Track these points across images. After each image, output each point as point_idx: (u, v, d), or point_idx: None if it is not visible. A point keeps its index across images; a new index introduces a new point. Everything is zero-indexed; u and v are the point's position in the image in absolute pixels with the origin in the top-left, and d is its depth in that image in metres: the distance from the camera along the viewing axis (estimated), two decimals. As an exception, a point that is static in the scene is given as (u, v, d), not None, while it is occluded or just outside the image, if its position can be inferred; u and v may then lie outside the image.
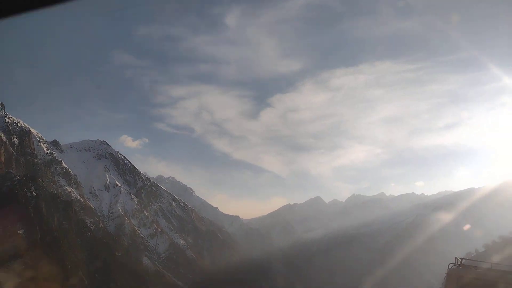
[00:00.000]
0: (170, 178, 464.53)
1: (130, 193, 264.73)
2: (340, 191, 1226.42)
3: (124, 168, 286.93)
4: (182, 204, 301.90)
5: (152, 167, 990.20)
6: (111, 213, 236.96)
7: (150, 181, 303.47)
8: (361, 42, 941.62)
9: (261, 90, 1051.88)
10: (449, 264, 13.24)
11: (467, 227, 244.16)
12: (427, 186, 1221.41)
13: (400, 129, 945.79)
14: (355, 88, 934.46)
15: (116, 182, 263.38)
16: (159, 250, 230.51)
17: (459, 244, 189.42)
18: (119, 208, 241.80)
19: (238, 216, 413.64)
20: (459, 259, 13.50)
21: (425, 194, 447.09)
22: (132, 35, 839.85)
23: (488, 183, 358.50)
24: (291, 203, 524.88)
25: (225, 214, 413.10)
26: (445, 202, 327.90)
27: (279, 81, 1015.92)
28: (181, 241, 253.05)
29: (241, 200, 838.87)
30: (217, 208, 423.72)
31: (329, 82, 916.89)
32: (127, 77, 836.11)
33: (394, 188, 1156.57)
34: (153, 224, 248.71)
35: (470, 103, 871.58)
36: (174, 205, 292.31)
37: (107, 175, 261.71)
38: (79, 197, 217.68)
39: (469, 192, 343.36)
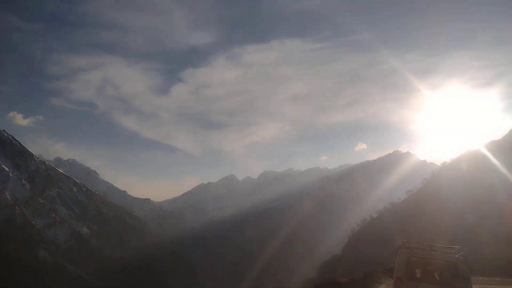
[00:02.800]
0: (70, 161, 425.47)
1: (21, 179, 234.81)
2: (253, 168, 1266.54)
3: (12, 150, 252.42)
4: (84, 188, 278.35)
5: (48, 148, 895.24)
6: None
7: (45, 164, 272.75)
8: (272, 17, 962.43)
9: (172, 64, 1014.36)
10: (398, 248, 13.96)
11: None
12: (330, 160, 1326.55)
13: (307, 106, 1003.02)
14: (267, 65, 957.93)
15: (3, 166, 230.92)
16: (59, 241, 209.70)
17: (357, 212, 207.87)
18: (8, 197, 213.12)
19: (149, 199, 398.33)
20: (406, 241, 14.62)
21: (328, 168, 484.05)
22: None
23: (381, 155, 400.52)
24: (205, 182, 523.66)
25: (134, 198, 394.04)
26: (345, 174, 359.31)
27: (191, 55, 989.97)
28: (84, 229, 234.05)
29: (152, 182, 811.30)
30: (125, 191, 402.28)
31: (242, 58, 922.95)
32: (13, 42, 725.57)
33: (302, 163, 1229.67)
34: (50, 212, 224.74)
35: (367, 83, 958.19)
36: (75, 190, 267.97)
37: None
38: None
39: (365, 164, 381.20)
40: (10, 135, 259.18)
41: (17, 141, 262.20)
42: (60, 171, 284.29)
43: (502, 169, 76.85)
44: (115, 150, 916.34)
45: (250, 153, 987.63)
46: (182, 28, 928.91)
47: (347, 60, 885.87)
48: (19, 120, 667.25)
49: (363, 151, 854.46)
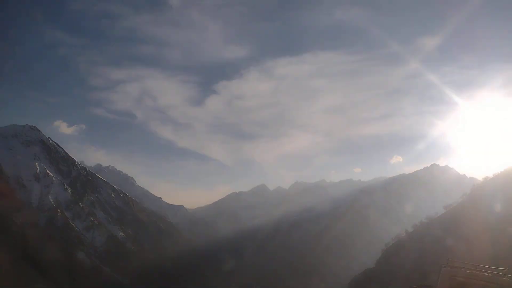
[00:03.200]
0: (110, 167, 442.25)
1: (63, 183, 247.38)
2: (284, 178, 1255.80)
3: (56, 156, 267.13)
4: (122, 194, 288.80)
5: (90, 155, 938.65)
6: (41, 205, 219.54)
7: (86, 170, 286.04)
8: (305, 31, 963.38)
9: (207, 76, 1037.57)
10: (441, 266, 12.94)
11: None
12: (364, 173, 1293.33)
13: (340, 118, 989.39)
14: (299, 78, 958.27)
15: (48, 171, 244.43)
16: (96, 244, 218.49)
17: (391, 225, 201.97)
18: (51, 200, 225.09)
19: (182, 206, 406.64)
20: (450, 260, 13.43)
21: (362, 180, 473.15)
22: (65, 9, 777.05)
23: (418, 168, 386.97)
24: (237, 191, 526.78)
25: (169, 204, 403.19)
26: (379, 187, 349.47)
27: (225, 68, 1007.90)
28: (121, 233, 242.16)
29: (186, 189, 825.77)
30: (160, 198, 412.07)
31: (274, 71, 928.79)
32: (60, 56, 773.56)
33: (334, 175, 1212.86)
34: (89, 216, 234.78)
35: (402, 95, 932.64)
36: (113, 195, 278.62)
37: (37, 164, 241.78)
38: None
39: (400, 177, 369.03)
40: (55, 142, 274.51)
41: (61, 148, 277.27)
42: (100, 177, 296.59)
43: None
44: (151, 158, 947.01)
45: (282, 164, 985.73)
46: (217, 42, 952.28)
47: (381, 73, 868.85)
48: (64, 128, 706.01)
49: (398, 164, 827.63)
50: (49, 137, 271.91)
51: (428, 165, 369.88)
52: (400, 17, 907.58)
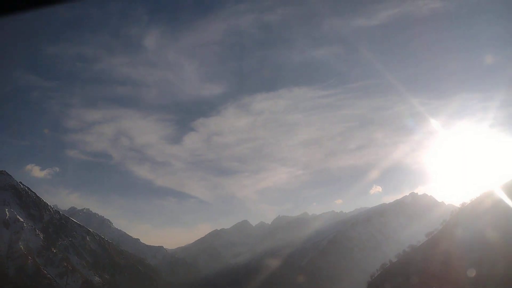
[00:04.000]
0: (85, 210, 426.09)
1: (35, 229, 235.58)
2: (266, 213, 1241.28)
3: (27, 201, 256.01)
4: (97, 237, 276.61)
5: (63, 199, 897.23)
6: (11, 253, 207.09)
7: (59, 214, 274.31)
8: (280, 68, 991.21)
9: (184, 114, 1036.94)
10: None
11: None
12: (346, 204, 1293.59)
13: (318, 151, 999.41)
14: (276, 112, 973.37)
15: (18, 216, 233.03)
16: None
17: (375, 256, 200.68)
18: (21, 247, 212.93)
19: (162, 247, 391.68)
20: None
21: (344, 212, 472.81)
22: (38, 54, 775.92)
23: (397, 197, 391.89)
24: (218, 229, 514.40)
25: (147, 245, 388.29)
26: (361, 217, 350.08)
27: (202, 105, 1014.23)
28: (96, 278, 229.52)
29: (166, 229, 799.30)
30: (138, 239, 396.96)
31: (251, 106, 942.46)
32: (33, 99, 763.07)
33: (316, 207, 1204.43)
34: (62, 261, 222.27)
35: (377, 126, 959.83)
36: (88, 239, 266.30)
37: (6, 210, 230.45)
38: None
39: (381, 207, 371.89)
40: (26, 187, 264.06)
41: (33, 192, 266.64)
42: (74, 220, 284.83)
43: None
44: (129, 199, 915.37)
45: (263, 199, 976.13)
46: (193, 80, 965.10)
47: (355, 106, 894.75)
48: (37, 172, 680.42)
49: (378, 194, 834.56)
50: (20, 182, 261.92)
51: (407, 193, 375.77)
52: (370, 52, 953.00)
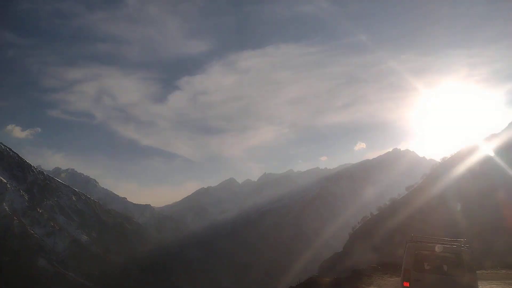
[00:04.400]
0: (70, 170, 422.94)
1: (19, 189, 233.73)
2: (252, 171, 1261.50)
3: (10, 162, 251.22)
4: (83, 197, 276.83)
5: (47, 159, 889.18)
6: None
7: (44, 174, 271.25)
8: (266, 24, 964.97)
9: (168, 72, 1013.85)
10: (406, 242, 14.62)
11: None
12: (330, 160, 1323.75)
13: (304, 109, 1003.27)
14: (262, 70, 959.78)
15: (1, 177, 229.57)
16: (58, 249, 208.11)
17: (357, 210, 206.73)
18: (6, 208, 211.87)
19: (149, 205, 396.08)
20: (414, 235, 15.27)
21: (328, 168, 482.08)
22: (12, 9, 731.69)
23: (381, 153, 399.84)
24: (205, 187, 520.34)
25: (134, 204, 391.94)
26: (345, 173, 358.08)
27: (187, 63, 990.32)
28: (84, 237, 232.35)
29: (153, 188, 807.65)
30: (125, 198, 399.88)
31: (237, 64, 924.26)
32: (9, 57, 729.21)
33: (302, 165, 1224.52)
34: (49, 221, 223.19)
35: (364, 83, 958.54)
36: (74, 199, 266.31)
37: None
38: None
39: (364, 163, 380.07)
40: (8, 147, 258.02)
41: (15, 153, 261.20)
42: (59, 180, 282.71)
43: (501, 162, 76.63)
44: (114, 159, 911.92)
45: (250, 157, 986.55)
46: (177, 37, 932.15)
47: (342, 63, 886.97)
48: (18, 132, 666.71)
49: (362, 150, 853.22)
50: (0, 142, 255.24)
51: (390, 149, 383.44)
52: (358, 6, 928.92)
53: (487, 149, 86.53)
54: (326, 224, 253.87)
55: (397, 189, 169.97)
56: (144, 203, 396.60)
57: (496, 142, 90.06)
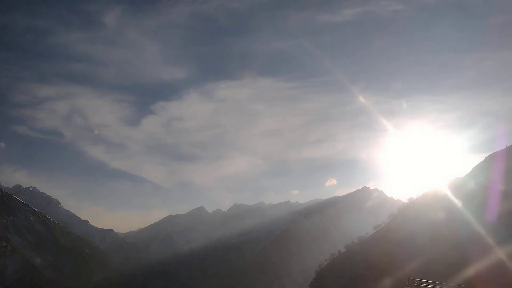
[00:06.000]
0: (31, 189, 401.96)
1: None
2: (223, 201, 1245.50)
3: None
4: (43, 217, 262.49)
5: (8, 175, 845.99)
6: None
7: (1, 191, 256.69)
8: (245, 57, 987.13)
9: (144, 96, 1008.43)
10: (403, 285, 13.41)
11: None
12: (302, 195, 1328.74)
13: (278, 142, 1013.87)
14: (239, 101, 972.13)
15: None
16: (8, 272, 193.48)
17: (326, 246, 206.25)
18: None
19: (112, 230, 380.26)
20: (411, 279, 13.94)
21: (299, 202, 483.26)
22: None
23: (350, 191, 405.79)
24: (173, 214, 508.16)
25: (97, 228, 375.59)
26: (315, 209, 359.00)
27: (163, 88, 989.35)
28: (38, 260, 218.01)
29: (118, 213, 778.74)
30: (88, 221, 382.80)
31: (214, 93, 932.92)
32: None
33: (273, 197, 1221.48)
34: (1, 241, 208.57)
35: (336, 121, 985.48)
36: (32, 218, 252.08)
37: None
38: None
39: (335, 199, 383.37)
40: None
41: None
42: (17, 198, 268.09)
43: (459, 206, 79.63)
44: (80, 180, 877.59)
45: (221, 186, 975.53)
46: (155, 62, 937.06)
47: (317, 100, 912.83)
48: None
49: (333, 187, 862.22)
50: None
51: (360, 187, 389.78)
52: (334, 48, 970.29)
53: (451, 193, 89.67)
54: (293, 259, 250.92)
55: (365, 228, 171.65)
56: (108, 228, 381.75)
57: (460, 186, 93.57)
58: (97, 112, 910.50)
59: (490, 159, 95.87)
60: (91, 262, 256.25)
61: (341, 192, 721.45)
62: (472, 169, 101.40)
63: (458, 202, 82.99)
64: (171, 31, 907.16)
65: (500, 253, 52.92)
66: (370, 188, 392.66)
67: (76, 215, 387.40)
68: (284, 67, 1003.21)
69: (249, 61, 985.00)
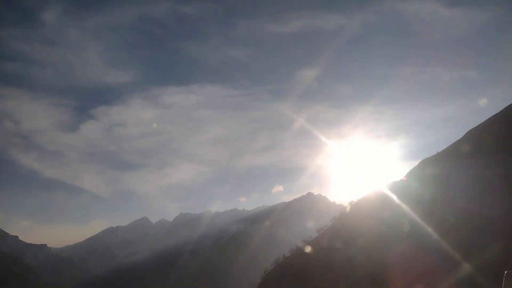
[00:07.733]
0: None
1: None
2: (168, 210, 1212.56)
3: None
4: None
5: None
6: None
7: None
8: (193, 63, 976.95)
9: (83, 100, 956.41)
10: (505, 271, 15.57)
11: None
12: (249, 202, 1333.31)
13: (225, 149, 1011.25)
14: (186, 108, 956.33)
15: None
16: None
17: (272, 251, 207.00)
18: None
19: (45, 245, 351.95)
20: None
21: (246, 209, 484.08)
22: None
23: (296, 197, 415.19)
24: (114, 226, 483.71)
25: (27, 244, 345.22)
26: (262, 215, 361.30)
27: (105, 92, 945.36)
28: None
29: (52, 226, 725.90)
30: (17, 236, 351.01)
31: (160, 99, 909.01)
32: None
33: (221, 205, 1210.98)
34: None
35: (282, 129, 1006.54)
36: None
37: None
38: None
39: (281, 206, 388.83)
40: None
41: None
42: None
43: (401, 205, 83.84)
44: (8, 191, 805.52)
45: (166, 195, 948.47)
46: (97, 64, 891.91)
47: (263, 108, 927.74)
48: None
49: (279, 193, 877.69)
50: None
51: (304, 193, 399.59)
52: (280, 57, 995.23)
53: (388, 193, 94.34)
54: (241, 267, 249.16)
55: (310, 231, 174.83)
56: (40, 243, 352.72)
57: (396, 188, 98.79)
58: (30, 116, 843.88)
59: (423, 164, 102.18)
60: (19, 281, 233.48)
61: (288, 198, 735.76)
62: (406, 174, 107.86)
63: (395, 202, 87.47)
64: (116, 32, 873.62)
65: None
66: (315, 193, 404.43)
67: (3, 229, 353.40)
68: (232, 74, 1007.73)
69: (198, 67, 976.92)
